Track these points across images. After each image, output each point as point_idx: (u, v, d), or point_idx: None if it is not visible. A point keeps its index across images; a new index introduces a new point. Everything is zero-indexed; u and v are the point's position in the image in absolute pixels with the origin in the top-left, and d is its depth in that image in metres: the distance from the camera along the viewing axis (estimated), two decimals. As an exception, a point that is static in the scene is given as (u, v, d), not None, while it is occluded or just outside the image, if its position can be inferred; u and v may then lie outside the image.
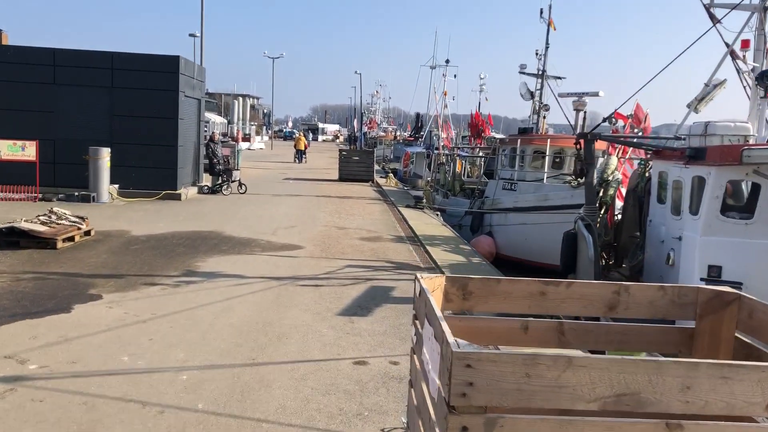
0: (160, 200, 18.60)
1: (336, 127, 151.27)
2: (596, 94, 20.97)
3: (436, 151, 32.27)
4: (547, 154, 19.56)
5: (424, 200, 28.70)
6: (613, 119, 11.62)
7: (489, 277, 3.58)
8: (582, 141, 10.97)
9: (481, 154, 29.89)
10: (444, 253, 12.81)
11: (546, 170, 19.51)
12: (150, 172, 18.90)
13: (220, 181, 22.22)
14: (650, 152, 11.50)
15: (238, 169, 24.15)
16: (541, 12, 22.52)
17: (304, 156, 45.15)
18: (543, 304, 3.47)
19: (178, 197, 19.21)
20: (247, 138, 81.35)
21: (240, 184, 22.32)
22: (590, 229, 11.00)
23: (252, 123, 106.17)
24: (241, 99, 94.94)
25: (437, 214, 19.87)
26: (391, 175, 28.98)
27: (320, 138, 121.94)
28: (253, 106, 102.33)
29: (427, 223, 16.87)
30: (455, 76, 39.56)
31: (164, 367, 6.01)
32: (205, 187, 22.02)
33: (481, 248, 19.73)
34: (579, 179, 11.20)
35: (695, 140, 9.88)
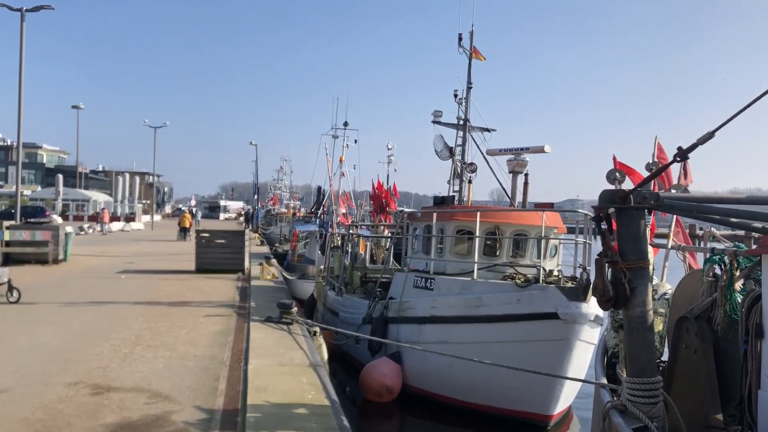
0: None
1: (240, 204, 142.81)
2: (541, 150, 14.86)
3: (329, 230, 25.21)
4: (477, 234, 12.90)
5: (316, 297, 21.52)
6: (618, 173, 4.91)
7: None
8: (606, 213, 4.31)
9: (387, 233, 23.09)
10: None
11: (476, 258, 12.81)
12: None
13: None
14: (749, 236, 4.96)
15: (6, 266, 16.00)
16: (460, 39, 16.43)
17: (188, 233, 42.75)
18: None
19: None
20: (131, 217, 72.42)
21: (10, 289, 14.27)
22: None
23: (145, 201, 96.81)
24: (128, 175, 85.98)
25: (315, 333, 12.58)
26: (265, 263, 21.64)
27: (222, 216, 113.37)
28: (150, 184, 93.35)
29: (283, 363, 9.51)
30: (356, 141, 33.13)
31: None
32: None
33: (375, 380, 12.56)
34: (606, 304, 4.45)
35: None
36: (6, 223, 23.32)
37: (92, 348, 10.22)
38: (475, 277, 12.47)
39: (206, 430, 6.69)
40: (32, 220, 31.45)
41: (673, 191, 7.37)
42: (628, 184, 5.02)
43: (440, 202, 15.35)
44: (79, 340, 10.74)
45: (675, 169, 7.87)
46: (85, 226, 50.68)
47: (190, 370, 9.05)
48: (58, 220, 55.99)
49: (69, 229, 26.77)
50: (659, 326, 6.02)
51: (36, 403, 7.34)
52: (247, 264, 23.16)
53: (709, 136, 4.06)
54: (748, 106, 3.80)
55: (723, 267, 5.54)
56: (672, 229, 7.56)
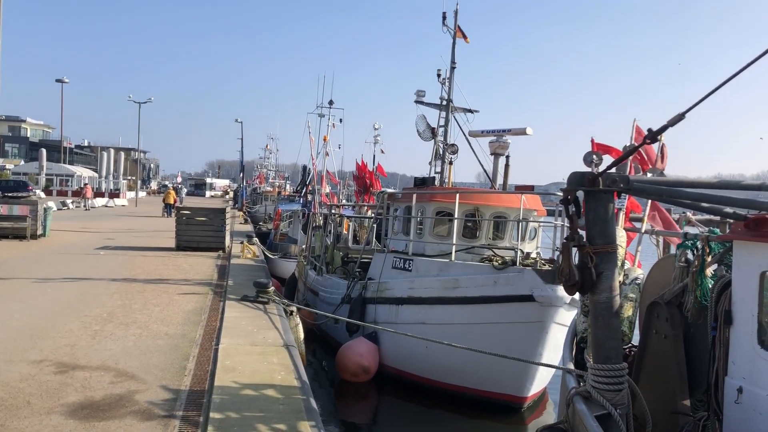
0: None
1: (226, 182, 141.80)
2: (523, 132, 14.69)
3: (312, 210, 25.00)
4: (456, 216, 12.79)
5: (298, 277, 21.37)
6: (595, 155, 4.80)
7: None
8: (574, 195, 4.19)
9: (370, 213, 22.92)
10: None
11: (454, 240, 12.71)
12: None
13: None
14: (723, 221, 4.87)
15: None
16: (444, 18, 16.14)
17: (173, 210, 41.06)
18: None
19: None
20: (115, 193, 71.74)
21: (-18, 265, 14.01)
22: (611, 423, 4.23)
23: (130, 177, 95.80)
24: (113, 151, 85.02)
25: (292, 313, 12.44)
26: (246, 242, 21.43)
27: (208, 194, 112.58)
28: (136, 160, 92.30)
29: (255, 343, 9.38)
30: (341, 120, 32.76)
31: None
32: None
33: (351, 360, 12.51)
34: (571, 289, 4.34)
35: None
36: (-18, 197, 22.93)
37: (62, 325, 10.03)
38: (453, 258, 12.37)
39: (170, 411, 6.56)
40: (11, 194, 30.92)
41: (649, 174, 7.27)
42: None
43: (420, 183, 15.19)
44: (49, 317, 10.55)
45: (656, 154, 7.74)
46: (68, 201, 50.05)
47: (160, 349, 8.90)
48: (41, 195, 55.42)
49: (49, 204, 26.36)
50: (630, 311, 5.92)
51: (-3, 381, 7.17)
52: (228, 242, 22.94)
53: (680, 117, 3.92)
54: (718, 88, 3.66)
55: (695, 252, 5.44)
56: (647, 213, 7.46)
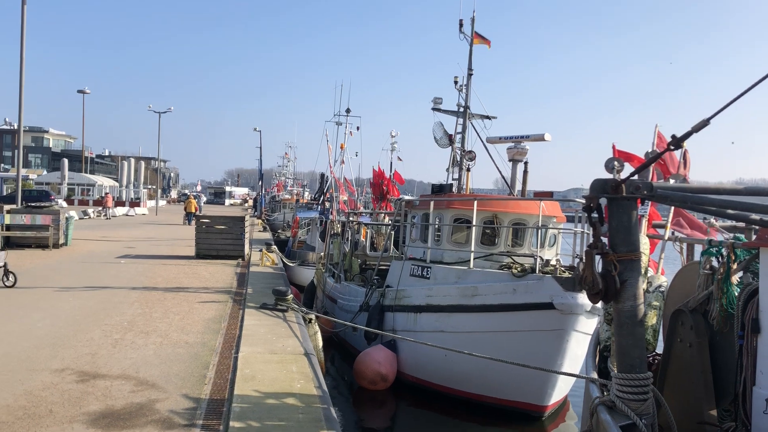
0: None
1: (245, 190, 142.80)
2: (541, 138, 14.59)
3: (330, 217, 25.05)
4: (474, 223, 12.74)
5: (316, 284, 21.35)
6: (616, 161, 4.74)
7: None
8: (597, 202, 4.12)
9: (387, 220, 22.91)
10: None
11: (472, 247, 12.66)
12: None
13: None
14: (749, 227, 4.78)
15: (2, 250, 15.91)
16: (461, 25, 16.11)
17: (193, 218, 41.30)
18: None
19: None
20: (136, 202, 72.47)
21: (6, 273, 14.17)
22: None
23: (150, 186, 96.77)
24: (133, 160, 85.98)
25: (310, 321, 12.44)
26: (265, 250, 21.51)
27: (227, 202, 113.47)
28: (156, 169, 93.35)
29: (274, 351, 9.39)
30: (358, 128, 32.89)
31: None
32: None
33: (369, 368, 12.46)
34: (594, 298, 4.28)
35: None
36: (6, 207, 23.26)
37: (83, 334, 10.12)
38: (471, 266, 12.31)
39: (190, 420, 6.57)
40: (34, 204, 31.35)
41: (672, 181, 7.17)
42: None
43: (438, 190, 15.15)
44: (71, 326, 10.65)
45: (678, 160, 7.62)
46: (90, 210, 50.67)
47: (180, 357, 8.94)
48: (63, 204, 56.16)
49: (71, 213, 26.69)
50: (653, 319, 5.83)
51: (20, 390, 7.23)
52: (247, 250, 23.04)
53: (704, 123, 3.85)
54: (743, 93, 3.59)
55: (720, 259, 5.34)
56: (670, 219, 7.35)
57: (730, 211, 4.56)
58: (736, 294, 5.08)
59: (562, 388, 11.72)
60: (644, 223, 6.62)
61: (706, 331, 5.46)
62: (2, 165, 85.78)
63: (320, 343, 11.82)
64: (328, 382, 9.75)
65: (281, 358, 8.99)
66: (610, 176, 4.81)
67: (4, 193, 58.76)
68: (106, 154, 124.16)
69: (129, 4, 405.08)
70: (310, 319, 12.36)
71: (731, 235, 6.44)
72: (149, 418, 6.55)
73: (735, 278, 5.23)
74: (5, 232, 22.01)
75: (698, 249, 6.84)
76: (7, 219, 22.26)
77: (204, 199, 79.67)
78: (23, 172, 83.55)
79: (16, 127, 36.74)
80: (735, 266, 5.19)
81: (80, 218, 42.24)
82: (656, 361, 6.22)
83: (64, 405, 6.81)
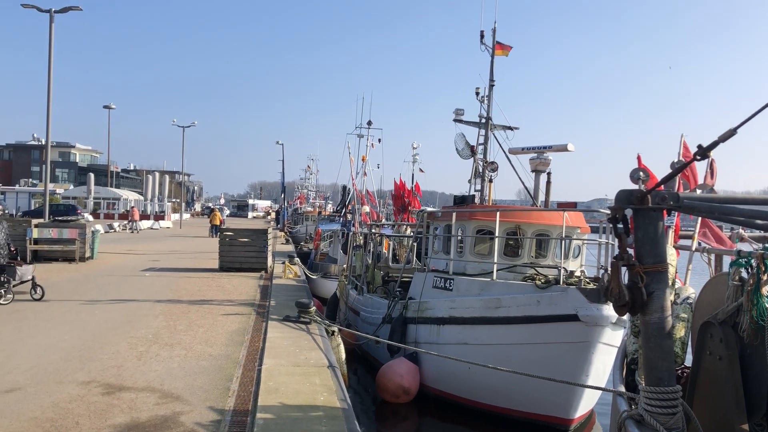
0: None
1: (268, 203, 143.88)
2: (564, 148, 14.51)
3: (352, 229, 25.12)
4: (497, 234, 12.67)
5: (339, 295, 21.37)
6: (642, 172, 4.69)
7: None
8: (623, 213, 4.08)
9: (409, 232, 22.90)
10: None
11: (495, 259, 12.59)
12: None
13: (-5, 283, 14.25)
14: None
15: (30, 263, 16.17)
16: (482, 36, 16.13)
17: (218, 230, 42.26)
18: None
19: None
20: (160, 216, 73.38)
21: (34, 286, 14.42)
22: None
23: (175, 199, 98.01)
24: (158, 174, 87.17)
25: (333, 333, 12.44)
26: (288, 262, 21.63)
27: (250, 215, 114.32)
28: (180, 183, 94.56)
29: (297, 364, 9.40)
30: (380, 140, 33.03)
31: None
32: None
33: (391, 381, 12.41)
34: (621, 310, 4.23)
35: None
36: (34, 221, 23.70)
37: (109, 346, 10.24)
38: (494, 277, 12.24)
39: (214, 434, 6.59)
40: (61, 218, 31.94)
41: (698, 191, 7.07)
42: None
43: (460, 201, 15.12)
44: (97, 338, 10.78)
45: (702, 169, 7.51)
46: (115, 224, 51.42)
47: (204, 370, 8.99)
48: (89, 218, 57.08)
49: (97, 227, 27.10)
50: (681, 332, 5.73)
51: (47, 402, 7.33)
52: (270, 262, 23.17)
53: (731, 133, 3.79)
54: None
55: (750, 270, 5.24)
56: (697, 230, 7.24)
57: (759, 221, 4.48)
58: (767, 306, 4.98)
59: (587, 401, 11.56)
60: (670, 234, 6.52)
61: (736, 343, 5.35)
62: (30, 180, 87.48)
63: (343, 356, 11.81)
64: (351, 394, 9.73)
65: (304, 370, 9.00)
66: (636, 187, 4.78)
67: (32, 208, 60.00)
68: (132, 168, 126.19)
69: (153, 24, 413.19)
70: (333, 332, 12.36)
71: (760, 245, 6.33)
72: (174, 430, 6.59)
73: (765, 290, 5.11)
74: (33, 246, 22.40)
75: (726, 260, 6.73)
76: (35, 233, 22.67)
77: (227, 212, 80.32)
78: (50, 186, 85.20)
79: (44, 143, 37.48)
80: (765, 277, 5.08)
81: (106, 232, 42.88)
82: (685, 374, 6.10)
83: (90, 417, 6.88)
